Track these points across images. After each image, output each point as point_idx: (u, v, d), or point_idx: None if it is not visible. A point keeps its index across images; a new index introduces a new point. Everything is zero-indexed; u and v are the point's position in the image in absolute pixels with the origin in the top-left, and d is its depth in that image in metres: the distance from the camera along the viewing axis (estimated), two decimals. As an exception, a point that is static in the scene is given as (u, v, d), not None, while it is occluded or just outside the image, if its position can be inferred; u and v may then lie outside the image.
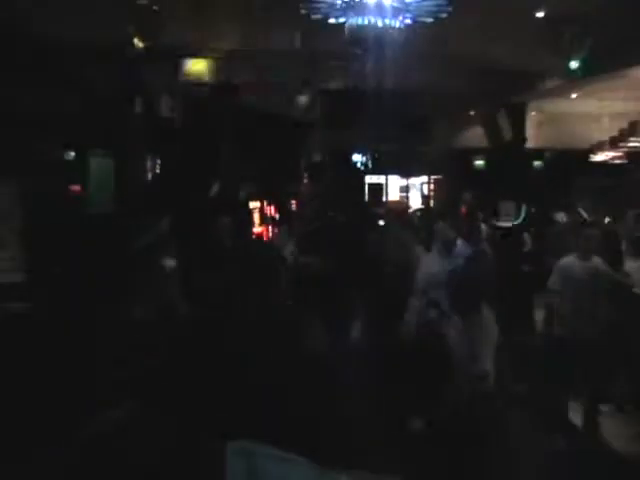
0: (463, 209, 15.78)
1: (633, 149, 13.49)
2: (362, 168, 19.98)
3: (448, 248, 6.48)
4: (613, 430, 6.39)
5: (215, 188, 10.13)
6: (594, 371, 6.30)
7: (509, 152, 12.05)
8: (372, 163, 19.89)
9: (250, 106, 10.78)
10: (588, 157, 15.82)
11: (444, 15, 6.34)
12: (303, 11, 6.32)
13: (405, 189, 22.16)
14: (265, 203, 11.78)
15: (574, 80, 9.12)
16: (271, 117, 11.74)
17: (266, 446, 2.93)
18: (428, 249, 7.76)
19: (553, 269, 6.40)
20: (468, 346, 4.76)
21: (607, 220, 12.80)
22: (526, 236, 11.41)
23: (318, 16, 6.48)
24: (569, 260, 6.35)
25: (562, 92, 10.73)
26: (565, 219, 10.68)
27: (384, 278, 7.97)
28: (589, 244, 6.36)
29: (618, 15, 7.33)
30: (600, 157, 15.46)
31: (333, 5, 6.23)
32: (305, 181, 16.09)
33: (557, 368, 6.48)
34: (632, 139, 11.79)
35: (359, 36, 6.41)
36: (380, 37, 6.38)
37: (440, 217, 8.12)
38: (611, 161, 15.89)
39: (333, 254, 8.70)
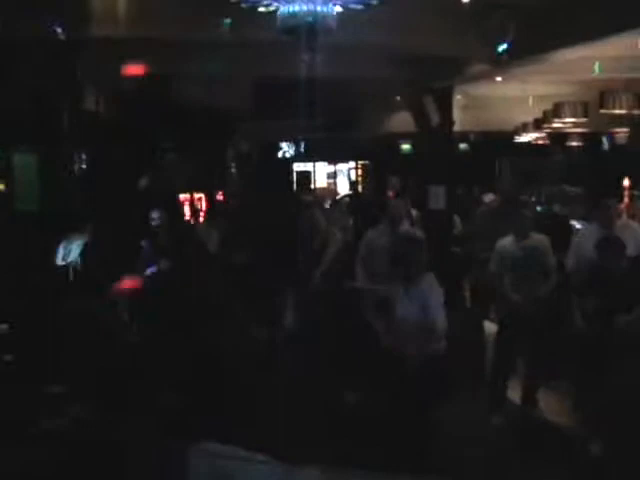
0: (391, 193, 16.05)
1: (557, 130, 13.92)
2: (290, 156, 20.00)
3: (396, 224, 6.77)
4: (550, 405, 6.69)
5: (144, 181, 10.02)
6: (533, 349, 6.55)
7: (436, 136, 12.21)
8: (300, 151, 19.92)
9: (179, 97, 10.68)
10: (513, 139, 16.25)
11: (374, 2, 6.37)
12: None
13: (333, 175, 22.33)
14: (195, 195, 11.76)
15: (500, 64, 9.33)
16: (200, 108, 11.65)
17: (231, 447, 2.94)
18: (364, 229, 7.96)
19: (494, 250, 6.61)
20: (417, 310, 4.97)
21: (532, 199, 13.23)
22: (456, 218, 11.71)
23: (248, 4, 6.43)
24: (506, 241, 6.57)
25: (488, 76, 10.97)
26: (493, 200, 10.97)
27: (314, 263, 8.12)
28: (524, 223, 6.60)
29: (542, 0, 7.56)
30: (524, 138, 15.90)
31: (264, -7, 6.21)
32: (233, 171, 16.02)
33: (497, 346, 6.70)
34: (556, 120, 12.14)
35: (290, 24, 6.39)
36: (310, 25, 6.37)
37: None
38: (535, 142, 16.36)
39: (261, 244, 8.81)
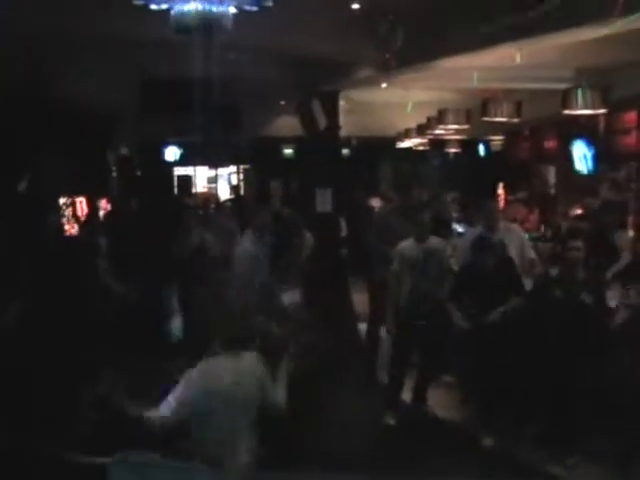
0: (272, 197, 16.18)
1: (439, 136, 14.46)
2: (171, 160, 19.78)
3: (263, 231, 6.90)
4: (440, 401, 7.01)
5: (23, 184, 9.70)
6: (426, 347, 6.84)
7: (321, 140, 12.42)
8: (181, 155, 19.74)
9: (60, 97, 10.39)
10: (395, 144, 16.74)
11: (269, 4, 6.48)
12: (125, -4, 6.22)
13: (214, 180, 22.25)
14: (77, 200, 11.48)
15: (386, 70, 9.63)
16: (81, 108, 11.38)
17: (153, 455, 2.96)
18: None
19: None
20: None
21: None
22: (342, 221, 11.98)
23: (140, 2, 6.39)
24: (406, 243, 6.83)
25: (373, 82, 11.28)
26: (380, 204, 11.28)
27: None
28: (421, 226, 6.88)
29: (428, 9, 7.86)
30: (406, 144, 16.41)
31: (157, -9, 6.19)
32: (114, 175, 15.70)
33: (396, 344, 6.95)
34: (440, 126, 12.63)
35: (183, 23, 6.40)
36: (204, 25, 6.41)
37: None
38: (416, 148, 16.93)
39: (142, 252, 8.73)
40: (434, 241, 6.87)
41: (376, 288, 8.46)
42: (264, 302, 5.85)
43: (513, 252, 6.75)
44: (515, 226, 7.74)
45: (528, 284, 6.70)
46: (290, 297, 5.62)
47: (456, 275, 6.73)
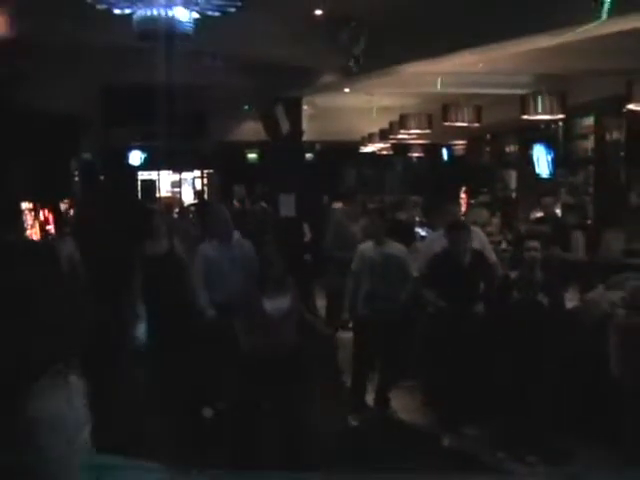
0: (236, 202, 16.16)
1: (401, 141, 14.63)
2: (135, 165, 19.66)
3: (228, 236, 6.78)
4: (401, 403, 7.08)
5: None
6: (387, 350, 6.92)
7: (284, 145, 12.53)
8: (145, 159, 19.63)
9: (23, 102, 10.33)
10: (358, 149, 16.85)
11: (232, 10, 6.52)
12: (89, 1, 6.22)
13: (178, 184, 22.13)
14: (38, 205, 11.32)
15: (348, 76, 9.75)
16: (43, 114, 11.30)
17: (117, 457, 2.98)
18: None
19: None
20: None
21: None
22: (305, 226, 12.02)
23: (103, 6, 6.40)
24: (367, 245, 6.91)
25: (336, 87, 11.39)
26: (342, 208, 11.34)
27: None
28: (376, 229, 6.95)
29: (390, 16, 7.99)
30: (369, 149, 16.54)
31: (120, -5, 6.21)
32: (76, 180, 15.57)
33: (357, 348, 7.02)
34: (402, 131, 12.79)
35: (146, 29, 6.43)
36: (166, 30, 6.44)
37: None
38: (379, 152, 17.07)
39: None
40: (394, 245, 6.95)
41: (332, 293, 8.56)
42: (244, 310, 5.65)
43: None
44: (477, 229, 7.84)
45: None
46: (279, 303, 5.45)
47: (423, 274, 6.75)
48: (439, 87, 10.21)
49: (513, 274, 6.02)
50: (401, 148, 17.61)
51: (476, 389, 6.19)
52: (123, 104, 12.41)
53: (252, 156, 19.37)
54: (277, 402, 5.31)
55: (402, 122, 12.45)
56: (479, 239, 7.06)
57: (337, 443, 6.13)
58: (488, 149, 16.45)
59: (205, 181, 21.52)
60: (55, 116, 11.98)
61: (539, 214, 11.05)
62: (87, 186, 15.83)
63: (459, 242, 6.31)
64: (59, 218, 11.75)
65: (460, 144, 17.90)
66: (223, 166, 19.36)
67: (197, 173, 21.84)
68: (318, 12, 8.14)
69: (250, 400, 5.43)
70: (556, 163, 12.99)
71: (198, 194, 20.12)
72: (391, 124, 13.65)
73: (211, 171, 21.05)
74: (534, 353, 5.69)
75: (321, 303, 9.97)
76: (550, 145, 13.10)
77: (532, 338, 5.68)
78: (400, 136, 13.78)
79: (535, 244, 5.84)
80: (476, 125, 11.12)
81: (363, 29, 8.48)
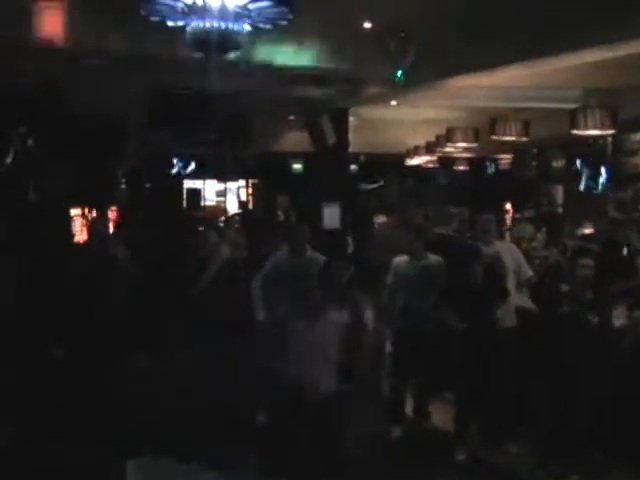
0: (282, 213, 16.24)
1: (448, 154, 14.56)
2: (181, 173, 19.94)
3: (301, 248, 6.82)
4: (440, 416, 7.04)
5: (31, 193, 9.85)
6: (425, 362, 6.88)
7: (330, 156, 12.57)
8: (191, 168, 19.88)
9: (71, 107, 10.57)
10: (404, 161, 16.80)
11: (283, 22, 6.60)
12: (143, 12, 6.36)
13: (222, 193, 22.39)
14: (87, 210, 11.58)
15: (396, 88, 9.77)
16: (93, 119, 11.54)
17: (168, 461, 3.04)
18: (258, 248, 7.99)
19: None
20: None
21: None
22: (349, 239, 12.07)
23: (157, 18, 6.53)
24: (401, 259, 6.92)
25: (383, 99, 11.41)
26: (386, 221, 11.37)
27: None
28: (413, 242, 6.94)
29: (438, 29, 8.00)
30: (415, 161, 16.47)
31: (174, 8, 6.32)
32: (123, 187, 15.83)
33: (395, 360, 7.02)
34: (449, 144, 12.75)
35: (199, 40, 6.54)
36: (218, 42, 6.55)
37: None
38: (425, 165, 17.00)
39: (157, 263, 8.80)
40: (431, 258, 6.90)
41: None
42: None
43: (510, 269, 6.82)
44: (512, 245, 7.81)
45: (527, 301, 6.84)
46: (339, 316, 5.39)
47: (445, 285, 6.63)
48: (487, 100, 10.17)
49: (563, 288, 5.94)
50: (447, 161, 17.53)
51: (517, 404, 6.15)
52: (171, 111, 12.58)
53: (297, 167, 19.44)
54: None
55: (449, 135, 12.42)
56: (512, 254, 7.01)
57: (376, 455, 6.13)
58: (535, 163, 16.30)
59: (250, 191, 21.73)
60: (104, 124, 12.22)
61: (587, 230, 10.93)
62: (133, 193, 16.08)
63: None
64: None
65: (506, 158, 17.76)
66: (268, 176, 19.51)
67: (242, 183, 22.10)
68: (367, 25, 8.17)
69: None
70: (604, 178, 12.83)
71: (242, 204, 20.31)
72: (437, 137, 13.61)
73: (256, 181, 21.27)
74: (578, 369, 5.64)
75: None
76: (598, 160, 12.95)
77: (577, 354, 5.61)
78: (446, 149, 13.72)
79: (588, 261, 5.80)
80: (524, 139, 11.02)
81: (412, 41, 8.50)
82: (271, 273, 6.92)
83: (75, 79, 9.71)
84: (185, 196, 20.36)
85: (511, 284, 6.68)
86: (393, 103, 11.88)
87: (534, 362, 6.07)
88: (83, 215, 11.40)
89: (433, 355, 6.72)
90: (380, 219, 12.69)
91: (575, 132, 9.95)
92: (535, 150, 15.90)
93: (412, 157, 16.43)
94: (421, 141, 15.32)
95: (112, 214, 12.70)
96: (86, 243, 10.36)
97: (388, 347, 7.35)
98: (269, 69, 9.82)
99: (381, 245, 9.02)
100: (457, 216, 13.30)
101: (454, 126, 12.38)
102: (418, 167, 17.55)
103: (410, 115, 13.13)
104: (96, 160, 12.70)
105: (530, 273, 7.08)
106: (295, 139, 16.25)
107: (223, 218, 14.24)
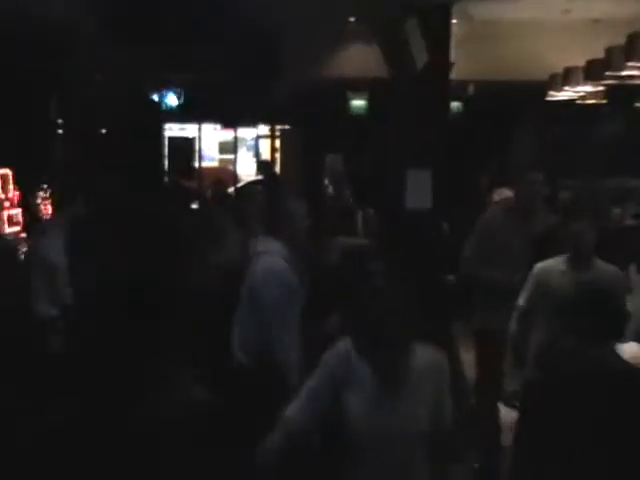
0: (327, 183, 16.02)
1: (627, 80, 13.90)
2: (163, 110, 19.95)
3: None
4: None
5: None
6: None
7: (417, 87, 12.09)
8: (180, 102, 19.89)
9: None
10: (545, 95, 16.30)
11: None
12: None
13: (231, 148, 22.43)
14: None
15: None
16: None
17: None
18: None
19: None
20: None
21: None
22: (446, 227, 11.84)
23: None
24: (548, 266, 7.28)
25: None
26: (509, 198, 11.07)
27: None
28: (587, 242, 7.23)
29: None
30: (565, 95, 15.96)
31: None
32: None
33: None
34: (630, 64, 12.03)
35: None
36: None
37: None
38: (583, 101, 16.41)
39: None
40: (602, 269, 7.07)
41: (485, 338, 8.78)
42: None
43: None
44: None
45: None
46: None
47: None
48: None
49: None
50: (624, 95, 16.94)
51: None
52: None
53: (359, 104, 19.48)
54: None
55: (630, 47, 11.72)
56: None
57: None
58: None
59: (277, 144, 21.59)
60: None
61: None
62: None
63: None
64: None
65: None
66: (308, 120, 19.19)
67: (264, 130, 21.99)
68: None
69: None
70: None
71: (265, 166, 20.13)
72: (608, 52, 12.96)
73: (287, 127, 21.09)
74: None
75: (467, 356, 10.18)
76: None
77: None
78: (624, 73, 13.09)
79: None
80: None
81: None
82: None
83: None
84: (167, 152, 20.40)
85: None
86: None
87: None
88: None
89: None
90: (501, 195, 12.29)
91: None
92: None
93: (560, 88, 15.92)
94: (578, 61, 14.79)
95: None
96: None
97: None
98: None
99: (502, 241, 9.05)
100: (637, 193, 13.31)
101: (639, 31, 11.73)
102: (571, 105, 17.04)
103: (556, 13, 12.64)
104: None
105: None
106: (355, 59, 16.16)
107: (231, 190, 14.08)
